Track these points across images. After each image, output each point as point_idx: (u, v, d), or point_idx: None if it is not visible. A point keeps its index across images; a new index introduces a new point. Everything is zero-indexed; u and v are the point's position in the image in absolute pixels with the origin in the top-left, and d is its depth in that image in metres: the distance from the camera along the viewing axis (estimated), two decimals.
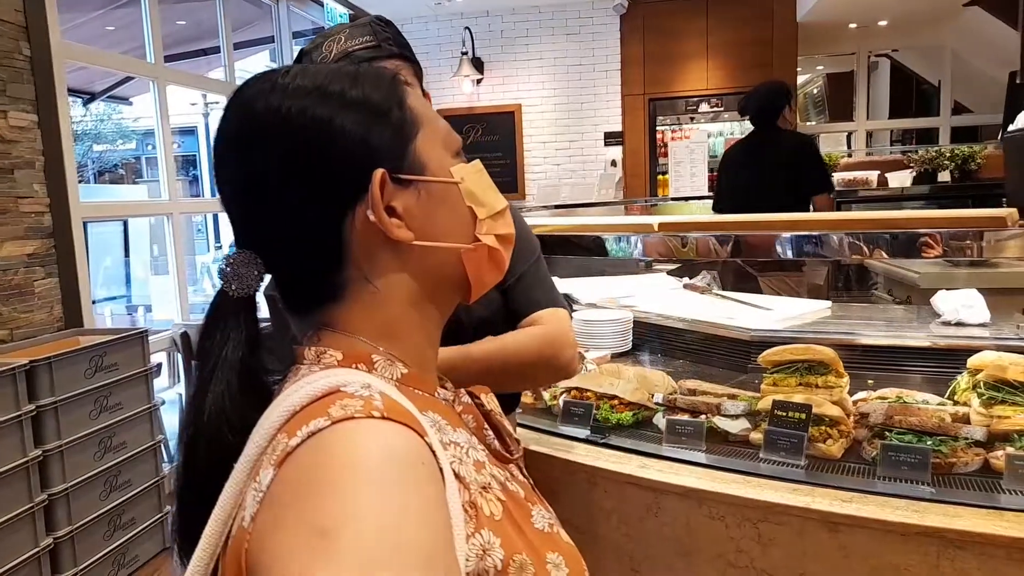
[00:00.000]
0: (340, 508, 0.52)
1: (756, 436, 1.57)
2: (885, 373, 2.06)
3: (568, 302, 1.55)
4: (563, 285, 2.93)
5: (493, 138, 7.93)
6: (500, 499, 0.68)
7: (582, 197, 6.79)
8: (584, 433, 1.67)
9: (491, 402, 0.82)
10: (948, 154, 5.50)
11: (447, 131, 0.77)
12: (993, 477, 1.37)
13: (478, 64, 7.85)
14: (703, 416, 1.65)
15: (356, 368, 0.68)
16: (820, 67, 10.93)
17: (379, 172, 0.68)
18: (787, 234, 1.58)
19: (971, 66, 8.64)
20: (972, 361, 1.63)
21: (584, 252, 1.90)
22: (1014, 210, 1.43)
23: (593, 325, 2.38)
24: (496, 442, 0.77)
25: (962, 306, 2.19)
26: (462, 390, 0.80)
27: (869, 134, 10.24)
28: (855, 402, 1.69)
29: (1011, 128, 1.51)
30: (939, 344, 2.02)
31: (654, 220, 1.73)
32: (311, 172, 0.68)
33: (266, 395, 0.68)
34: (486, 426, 0.77)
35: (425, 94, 1.30)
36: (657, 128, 7.83)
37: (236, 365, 0.68)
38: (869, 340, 2.16)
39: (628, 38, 7.74)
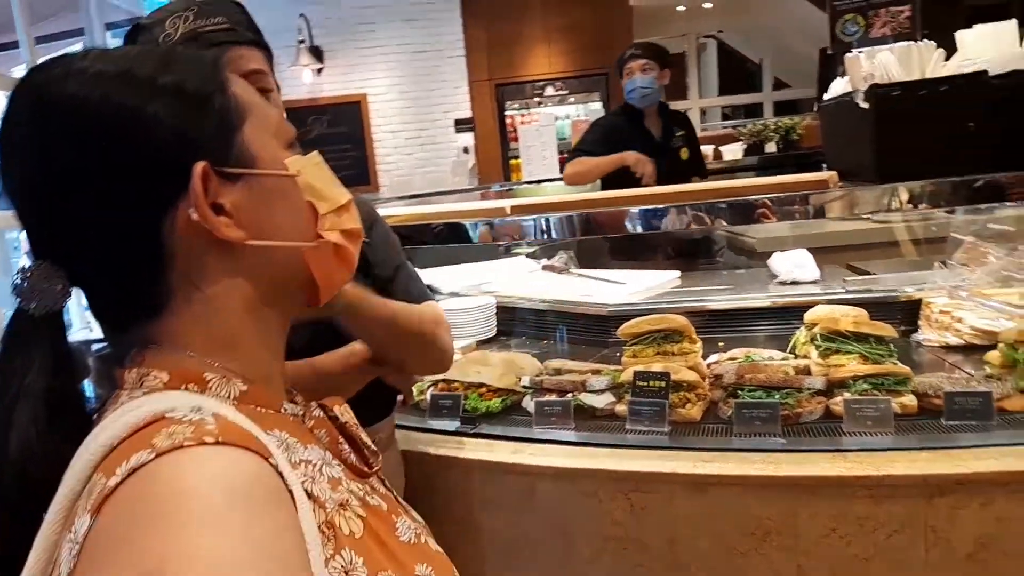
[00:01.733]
0: (168, 548, 0.46)
1: (621, 408, 1.60)
2: (733, 334, 2.18)
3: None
4: (422, 276, 2.87)
5: (340, 130, 7.67)
6: (360, 516, 0.63)
7: (436, 186, 6.74)
8: (454, 425, 1.64)
9: (346, 413, 0.76)
10: (773, 127, 5.94)
11: (279, 121, 0.71)
12: (835, 422, 1.48)
13: (317, 53, 7.56)
14: (570, 394, 1.67)
15: (185, 389, 0.61)
16: None
17: (200, 165, 0.60)
18: (635, 209, 1.61)
19: (787, 44, 9.38)
20: (808, 316, 1.75)
21: (441, 240, 1.86)
22: (834, 173, 1.54)
23: (456, 314, 2.35)
24: (353, 456, 0.71)
25: (795, 266, 2.36)
26: (313, 404, 0.74)
27: (703, 111, 10.89)
28: (708, 365, 1.77)
29: (825, 98, 1.62)
30: (777, 303, 2.16)
31: (506, 203, 1.72)
32: (118, 168, 0.59)
33: (84, 427, 0.59)
34: (341, 440, 0.72)
35: (276, 86, 1.21)
36: (506, 113, 7.90)
37: (42, 394, 0.59)
38: (716, 305, 2.28)
39: (471, 23, 7.73)
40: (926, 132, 1.33)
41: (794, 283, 2.33)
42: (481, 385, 1.73)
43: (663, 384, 1.55)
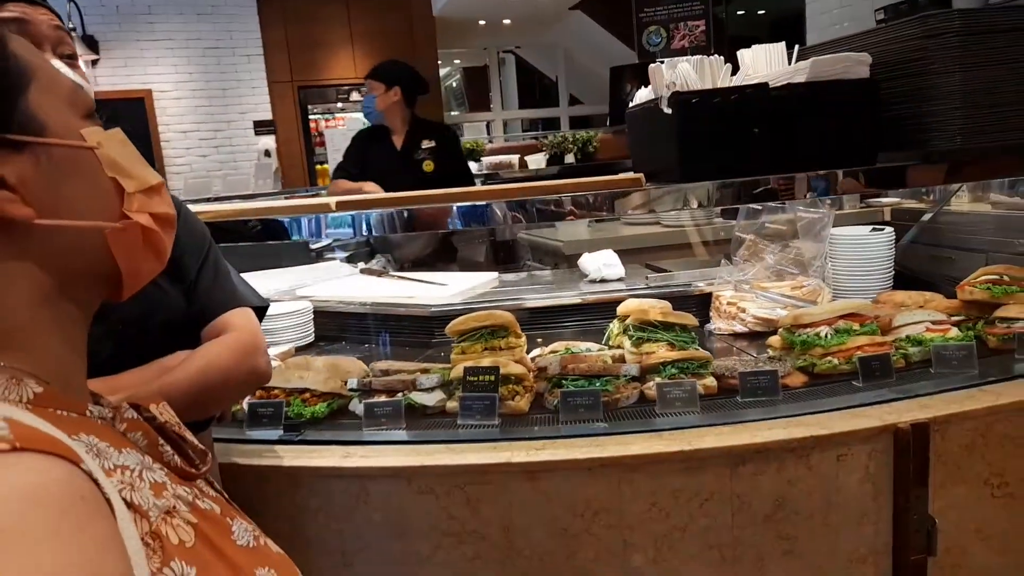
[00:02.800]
0: None
1: (452, 405, 1.60)
2: (551, 330, 2.27)
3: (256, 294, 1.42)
4: None
5: (121, 128, 6.97)
6: (191, 522, 0.57)
7: (237, 189, 6.34)
8: (277, 434, 1.55)
9: (164, 412, 0.69)
10: (572, 139, 6.30)
11: (73, 88, 0.62)
12: (648, 405, 1.59)
13: (91, 43, 6.80)
14: (400, 394, 1.64)
15: None
16: (457, 61, 11.71)
17: None
18: (460, 205, 1.62)
19: (580, 63, 10.01)
20: (621, 309, 1.87)
21: (258, 238, 1.74)
22: (641, 175, 1.66)
23: (272, 319, 2.22)
24: (177, 457, 0.64)
25: (604, 265, 2.51)
26: (124, 404, 0.66)
27: (505, 123, 11.29)
28: (533, 359, 1.83)
29: (631, 105, 1.74)
30: (590, 299, 2.29)
31: (331, 199, 1.65)
32: None
33: None
34: (162, 441, 0.64)
35: (74, 57, 1.07)
36: (310, 117, 7.64)
37: None
38: (534, 303, 2.36)
39: (268, 22, 7.39)
40: (721, 136, 1.48)
41: (603, 281, 2.49)
42: (304, 391, 1.64)
43: (493, 378, 1.58)
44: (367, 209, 1.60)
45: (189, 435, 0.70)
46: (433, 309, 2.25)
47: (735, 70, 1.74)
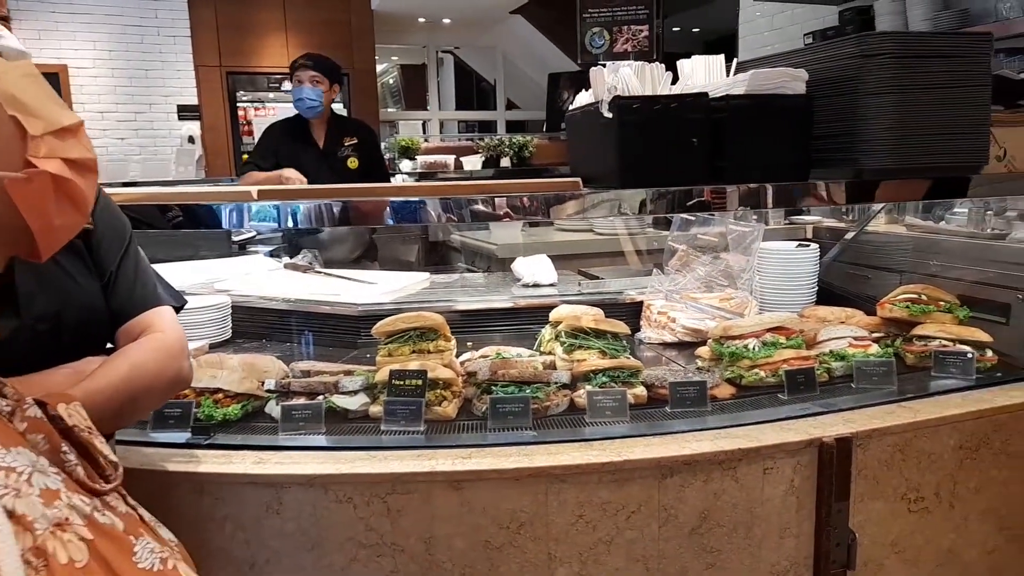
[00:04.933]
0: None
1: (376, 409, 1.53)
2: (481, 334, 2.22)
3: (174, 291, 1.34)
4: None
5: None
6: (85, 538, 0.49)
7: (156, 175, 6.03)
8: (184, 436, 1.44)
9: (74, 415, 0.60)
10: (508, 142, 6.28)
11: None
12: (578, 413, 1.55)
13: None
14: (320, 397, 1.55)
15: None
16: (395, 57, 11.54)
17: None
18: (392, 200, 1.55)
19: (519, 68, 10.02)
20: (553, 314, 1.83)
21: (176, 226, 1.62)
22: (579, 179, 1.63)
23: (186, 313, 2.08)
24: (80, 468, 0.56)
25: (537, 270, 2.48)
26: (28, 399, 0.57)
27: (442, 123, 11.19)
28: (462, 363, 1.77)
29: (571, 108, 1.71)
30: (522, 304, 2.25)
31: (253, 188, 1.55)
32: None
33: None
34: (65, 447, 0.56)
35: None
36: (238, 104, 7.36)
37: None
38: (466, 306, 2.31)
39: (197, 2, 7.08)
40: (660, 143, 1.47)
41: (535, 286, 2.45)
42: (217, 391, 1.54)
43: (420, 383, 1.51)
44: (292, 200, 1.51)
45: (101, 443, 0.62)
46: (360, 308, 2.17)
47: (675, 79, 1.74)
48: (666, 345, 2.14)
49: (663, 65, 1.61)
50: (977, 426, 1.53)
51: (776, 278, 2.29)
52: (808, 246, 2.33)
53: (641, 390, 1.62)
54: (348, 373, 1.64)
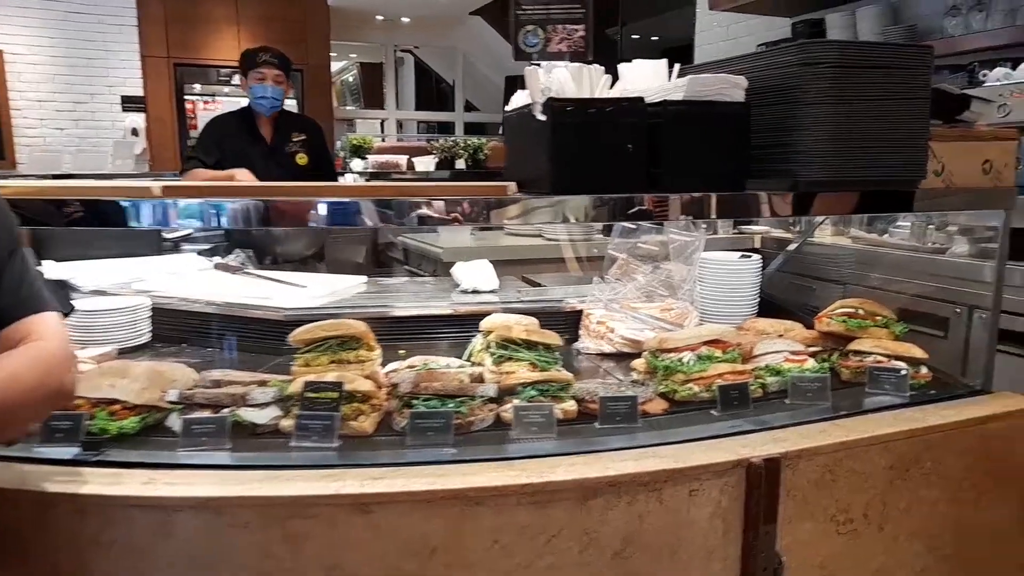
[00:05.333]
0: None
1: (287, 423, 1.44)
2: (417, 342, 2.14)
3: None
4: (63, 270, 2.38)
5: None
6: None
7: (92, 167, 5.79)
8: (72, 452, 1.33)
9: None
10: (463, 144, 6.20)
11: None
12: (504, 429, 1.48)
13: None
14: (227, 409, 1.45)
15: None
16: (353, 55, 11.36)
17: None
18: (317, 200, 1.46)
19: (477, 69, 9.94)
20: (484, 324, 1.76)
21: (76, 224, 1.51)
22: (513, 183, 1.56)
23: (96, 316, 1.96)
24: None
25: (476, 275, 2.41)
26: None
27: (400, 123, 11.05)
28: (388, 373, 1.69)
29: (507, 109, 1.64)
30: (459, 311, 2.17)
31: (156, 184, 1.45)
32: None
33: None
34: None
35: None
36: (186, 97, 7.13)
37: None
38: (401, 312, 2.22)
39: None
40: (595, 148, 1.40)
41: (475, 292, 2.38)
42: (114, 401, 1.43)
43: (336, 395, 1.43)
44: (201, 198, 1.41)
45: None
46: (287, 313, 2.06)
47: (615, 83, 1.69)
48: (604, 356, 2.08)
49: (601, 68, 1.55)
50: (908, 446, 1.50)
51: (717, 289, 2.25)
52: (751, 257, 2.31)
53: (571, 404, 1.56)
54: (262, 383, 1.54)
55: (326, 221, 1.42)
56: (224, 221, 1.36)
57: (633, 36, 9.44)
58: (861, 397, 1.69)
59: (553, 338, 1.67)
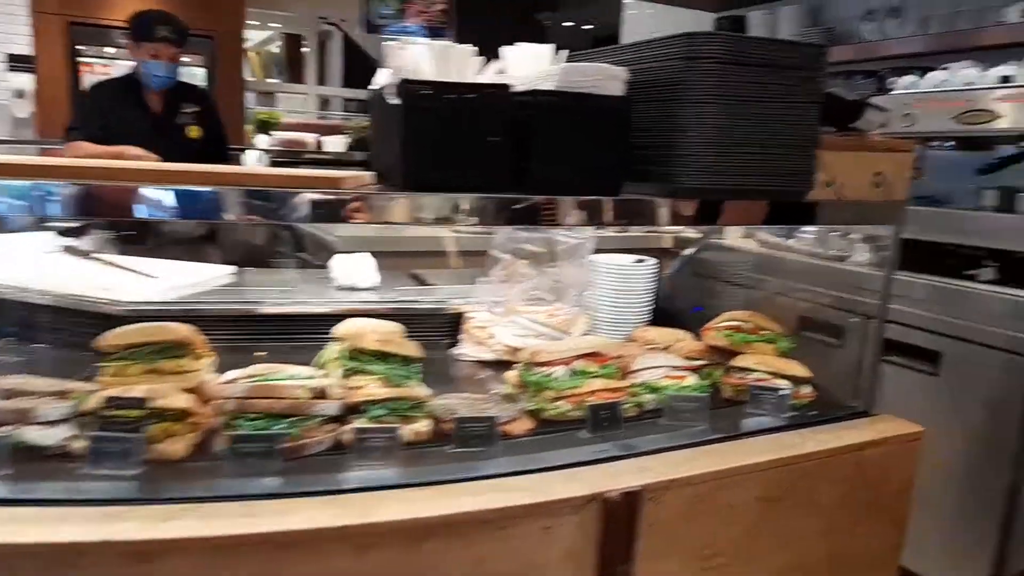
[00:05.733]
0: None
1: (79, 446, 1.23)
2: (283, 343, 1.93)
3: None
4: None
5: None
6: None
7: None
8: None
9: None
10: None
11: None
12: (343, 454, 1.31)
13: None
14: (9, 427, 1.23)
15: None
16: (277, 24, 10.82)
17: None
18: (142, 189, 1.23)
19: None
20: (337, 330, 1.57)
21: None
22: (363, 174, 1.38)
23: None
24: None
25: (354, 270, 2.21)
26: None
27: (326, 100, 10.57)
28: (225, 383, 1.49)
29: (370, 87, 1.46)
30: (325, 310, 1.98)
31: None
32: None
33: None
34: None
35: None
36: (80, 60, 6.60)
37: None
38: (265, 309, 2.02)
39: None
40: (453, 139, 1.23)
41: (352, 289, 2.19)
42: None
43: (138, 413, 1.23)
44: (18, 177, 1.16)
45: None
46: (124, 307, 1.83)
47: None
48: (484, 364, 1.93)
49: (475, 48, 1.38)
50: (783, 474, 1.40)
51: (610, 294, 2.13)
52: (645, 261, 2.19)
53: (425, 425, 1.40)
54: (63, 395, 1.32)
55: (134, 212, 1.20)
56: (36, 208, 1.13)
57: (565, 24, 9.31)
58: (740, 418, 1.60)
59: (409, 349, 1.50)
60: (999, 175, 2.64)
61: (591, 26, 9.59)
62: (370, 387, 1.42)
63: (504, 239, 1.99)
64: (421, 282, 2.42)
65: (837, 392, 1.76)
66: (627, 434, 1.47)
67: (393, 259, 2.77)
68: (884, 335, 1.77)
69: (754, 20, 4.27)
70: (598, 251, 2.24)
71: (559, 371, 1.56)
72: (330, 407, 1.37)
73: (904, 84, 2.91)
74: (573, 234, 1.98)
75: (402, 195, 1.19)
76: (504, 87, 1.28)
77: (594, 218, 1.28)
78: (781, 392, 1.60)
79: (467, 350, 1.96)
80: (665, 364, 1.66)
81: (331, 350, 1.58)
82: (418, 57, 1.30)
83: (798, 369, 1.68)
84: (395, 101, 1.26)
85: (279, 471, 1.22)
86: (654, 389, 1.60)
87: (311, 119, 7.95)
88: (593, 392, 1.53)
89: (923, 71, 2.93)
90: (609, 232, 2.44)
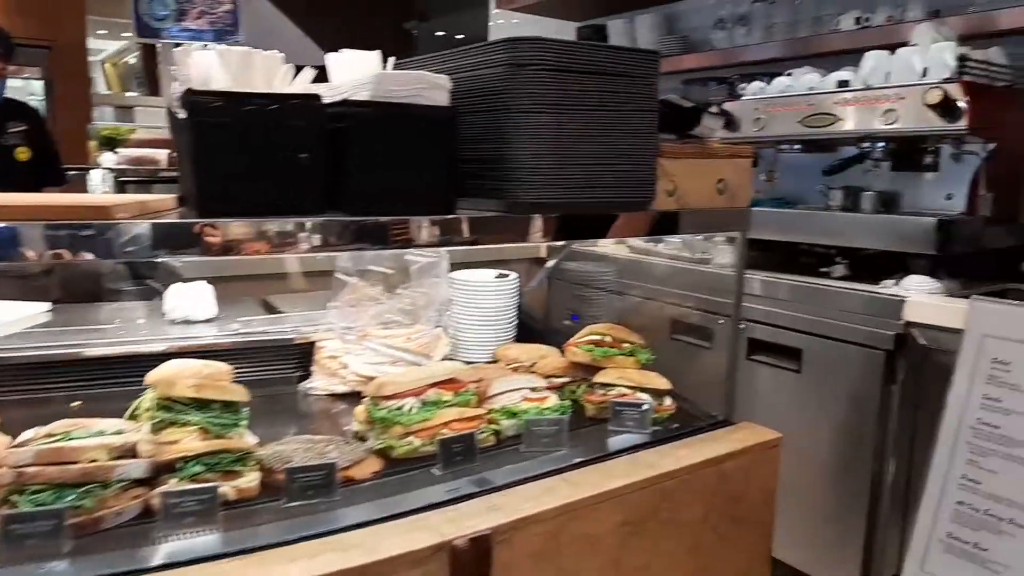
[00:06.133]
0: None
1: None
2: (104, 390, 1.72)
3: None
4: None
5: None
6: None
7: None
8: None
9: None
10: None
11: None
12: (151, 521, 1.14)
13: None
14: None
15: None
16: (127, 34, 10.13)
17: None
18: None
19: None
20: (151, 376, 1.39)
21: None
22: (128, 199, 1.20)
23: None
24: None
25: (188, 302, 2.01)
26: None
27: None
28: (16, 446, 1.27)
29: (169, 101, 1.29)
30: (150, 350, 1.77)
31: None
32: None
33: None
34: None
35: None
36: None
37: None
38: (86, 351, 1.78)
39: None
40: (254, 157, 1.09)
41: (187, 322, 1.98)
42: None
43: None
44: None
45: None
46: None
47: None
48: (337, 397, 1.79)
49: (281, 55, 1.24)
50: (643, 497, 1.35)
51: (471, 313, 2.03)
52: (508, 276, 2.11)
53: (251, 479, 1.24)
54: None
55: None
56: None
57: (438, 33, 9.21)
58: (602, 437, 1.54)
59: (235, 393, 1.33)
60: (843, 175, 2.74)
61: (462, 36, 9.53)
62: (185, 441, 1.25)
63: (348, 261, 1.85)
64: (270, 310, 2.24)
65: (705, 399, 1.74)
66: (483, 467, 1.38)
67: (246, 284, 2.57)
68: (750, 336, 1.76)
69: (614, 29, 4.32)
70: (462, 266, 2.14)
71: (409, 403, 1.44)
72: (136, 468, 1.19)
73: (753, 90, 3.00)
74: (424, 253, 1.87)
75: (175, 221, 1.04)
76: (314, 97, 1.15)
77: (416, 239, 1.17)
78: (643, 407, 1.55)
79: (318, 383, 1.81)
80: (524, 386, 1.58)
81: (148, 397, 1.39)
82: (209, 64, 1.14)
83: (659, 381, 1.64)
84: (182, 115, 1.11)
85: (67, 552, 1.04)
86: (512, 414, 1.52)
87: (167, 134, 7.44)
88: (447, 423, 1.42)
89: (770, 77, 3.03)
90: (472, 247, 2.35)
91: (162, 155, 4.69)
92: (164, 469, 1.21)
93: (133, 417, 1.39)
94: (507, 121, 1.23)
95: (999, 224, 2.52)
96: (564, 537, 1.24)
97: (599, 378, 1.66)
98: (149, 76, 11.36)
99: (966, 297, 2.27)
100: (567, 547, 1.25)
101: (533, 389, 1.58)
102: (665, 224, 1.44)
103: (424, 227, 1.18)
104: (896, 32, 2.70)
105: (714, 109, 1.48)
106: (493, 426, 1.49)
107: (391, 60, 1.43)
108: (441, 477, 1.33)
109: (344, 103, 1.15)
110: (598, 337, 1.73)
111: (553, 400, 1.57)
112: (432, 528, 1.14)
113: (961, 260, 2.41)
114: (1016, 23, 2.40)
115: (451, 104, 1.23)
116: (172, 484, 1.18)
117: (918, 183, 2.67)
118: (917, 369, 2.12)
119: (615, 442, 1.51)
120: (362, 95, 1.17)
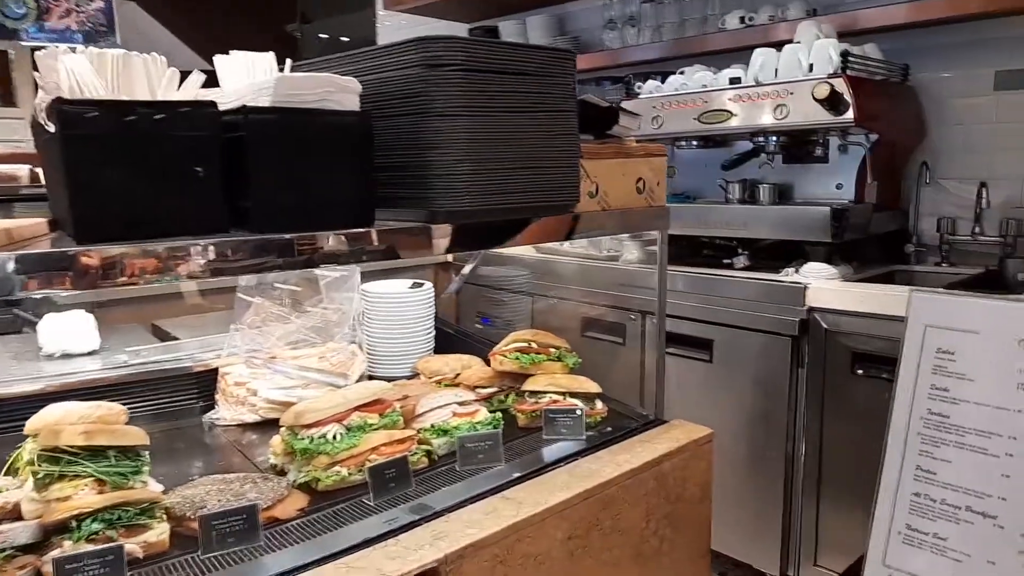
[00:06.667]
0: None
1: None
2: None
3: None
4: None
5: None
6: None
7: None
8: None
9: None
10: None
11: None
12: None
13: None
14: None
15: None
16: None
17: None
18: None
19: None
20: (31, 424, 1.22)
21: None
22: (38, 222, 1.06)
23: None
24: None
25: (68, 332, 1.80)
26: None
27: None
28: None
29: (34, 112, 1.13)
30: (22, 390, 1.56)
31: None
32: None
33: None
34: None
35: None
36: None
37: None
38: None
39: None
40: (139, 173, 0.96)
41: (65, 356, 1.78)
42: None
43: None
44: None
45: None
46: None
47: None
48: (247, 427, 1.65)
49: (162, 58, 1.11)
50: (586, 508, 1.31)
51: (387, 326, 1.94)
52: (422, 285, 2.03)
53: (161, 532, 1.11)
54: None
55: None
56: None
57: (321, 35, 8.93)
58: (538, 447, 1.49)
59: (131, 436, 1.19)
60: (740, 169, 2.83)
61: (348, 39, 9.28)
62: (79, 496, 1.10)
63: (249, 281, 1.72)
64: (162, 336, 2.05)
65: (626, 396, 1.73)
66: (419, 491, 1.30)
67: (130, 309, 2.36)
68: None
69: (506, 30, 4.30)
70: (371, 276, 2.05)
71: (332, 429, 1.34)
72: (21, 533, 1.03)
73: (648, 88, 3.04)
74: (334, 268, 1.76)
75: (49, 251, 0.91)
76: (208, 104, 1.04)
77: (337, 256, 1.08)
78: (575, 413, 1.52)
79: (224, 413, 1.67)
80: (452, 400, 1.51)
81: (25, 450, 1.22)
82: (81, 70, 1.01)
83: (589, 385, 1.61)
84: (52, 128, 0.97)
85: None
86: (444, 431, 1.44)
87: (29, 148, 6.82)
88: (375, 449, 1.33)
89: (663, 76, 3.09)
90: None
91: (23, 171, 4.26)
92: (55, 531, 1.06)
93: (11, 472, 1.22)
94: (422, 125, 1.16)
95: (884, 210, 2.67)
96: (511, 560, 1.18)
97: (528, 386, 1.61)
98: (3, 84, 10.43)
99: (862, 281, 2.40)
100: (515, 570, 1.19)
101: (461, 403, 1.51)
102: (589, 226, 1.41)
103: (334, 242, 1.08)
104: (779, 30, 2.81)
105: (629, 107, 1.45)
106: (424, 447, 1.41)
107: (288, 62, 1.33)
108: (375, 508, 1.24)
109: (243, 110, 1.04)
110: (524, 344, 1.68)
111: (484, 413, 1.51)
112: (374, 567, 1.05)
113: (853, 246, 2.53)
114: (884, 20, 2.54)
115: (363, 109, 1.14)
116: (67, 548, 1.03)
117: (809, 174, 2.79)
118: (821, 352, 2.21)
119: (551, 452, 1.47)
120: (262, 101, 1.06)
